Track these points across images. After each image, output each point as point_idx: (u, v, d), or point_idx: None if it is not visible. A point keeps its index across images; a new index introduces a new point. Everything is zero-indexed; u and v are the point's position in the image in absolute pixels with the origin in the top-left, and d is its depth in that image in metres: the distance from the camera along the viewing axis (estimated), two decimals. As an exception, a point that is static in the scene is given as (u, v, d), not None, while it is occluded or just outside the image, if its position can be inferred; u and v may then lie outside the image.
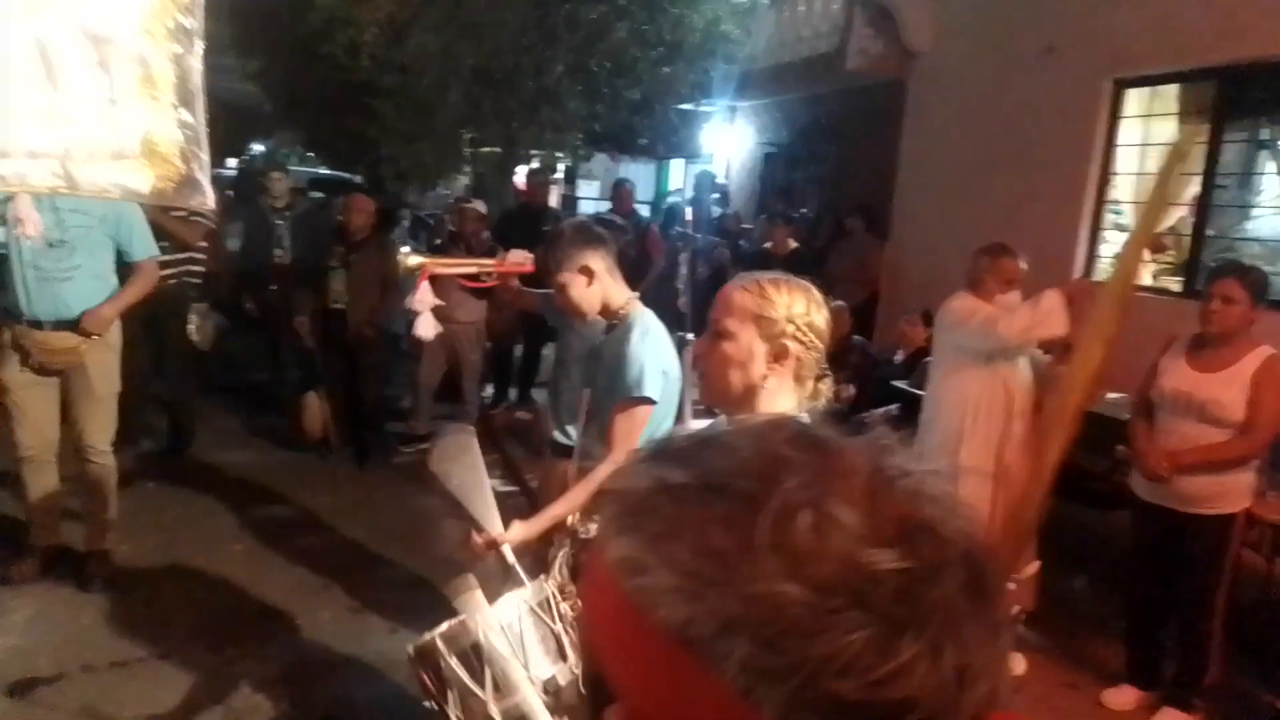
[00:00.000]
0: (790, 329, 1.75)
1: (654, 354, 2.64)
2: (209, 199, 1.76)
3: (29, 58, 1.48)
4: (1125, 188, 6.25)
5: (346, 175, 12.59)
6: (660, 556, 0.45)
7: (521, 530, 2.46)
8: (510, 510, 2.50)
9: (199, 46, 1.61)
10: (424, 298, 3.28)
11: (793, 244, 7.82)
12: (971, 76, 7.27)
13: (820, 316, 1.79)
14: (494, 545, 2.38)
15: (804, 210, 10.42)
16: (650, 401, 2.60)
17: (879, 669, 0.41)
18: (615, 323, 2.75)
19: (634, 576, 0.46)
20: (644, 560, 0.45)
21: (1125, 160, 6.20)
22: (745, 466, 0.46)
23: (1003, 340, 3.71)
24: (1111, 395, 4.26)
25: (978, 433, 3.75)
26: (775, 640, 0.41)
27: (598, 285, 2.73)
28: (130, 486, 4.75)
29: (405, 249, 3.62)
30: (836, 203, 9.71)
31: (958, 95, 7.45)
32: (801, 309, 1.76)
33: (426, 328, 3.43)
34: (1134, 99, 6.16)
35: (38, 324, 3.77)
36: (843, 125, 10.03)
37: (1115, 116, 6.17)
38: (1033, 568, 3.78)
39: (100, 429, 4.01)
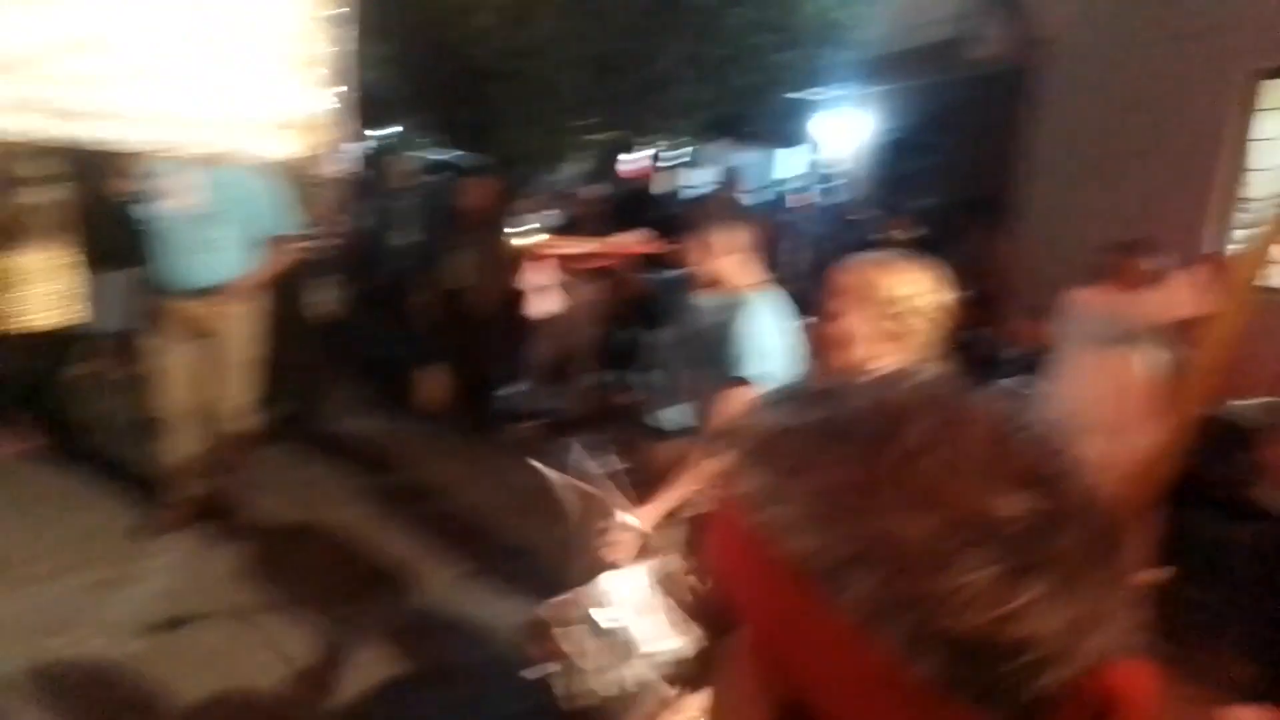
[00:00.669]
0: (898, 311, 1.76)
1: (760, 336, 2.62)
2: (348, 168, 1.93)
3: (211, 41, 1.69)
4: (1261, 185, 5.91)
5: (468, 159, 12.85)
6: (788, 490, 0.46)
7: (648, 515, 2.49)
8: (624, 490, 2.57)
9: (348, 34, 1.77)
10: (537, 276, 3.37)
11: (907, 234, 7.65)
12: (1098, 64, 6.97)
13: (929, 300, 1.79)
14: (629, 532, 2.43)
15: (920, 200, 10.16)
16: (750, 383, 2.61)
17: (997, 609, 0.41)
18: (730, 302, 2.76)
19: (762, 509, 0.47)
20: (772, 493, 0.47)
21: (1263, 155, 5.86)
22: (871, 411, 0.47)
23: (1131, 321, 3.59)
24: (1236, 402, 4.07)
25: (1094, 425, 3.63)
26: (896, 575, 0.42)
27: (719, 262, 2.72)
28: (262, 448, 5.04)
29: (520, 229, 3.72)
30: (953, 193, 9.44)
31: (1083, 84, 7.15)
32: (910, 291, 1.77)
33: (540, 306, 3.51)
34: (1275, 90, 5.81)
35: (180, 292, 4.02)
36: (961, 114, 9.73)
37: (1250, 108, 5.83)
38: (1153, 575, 3.64)
39: (238, 393, 4.25)
